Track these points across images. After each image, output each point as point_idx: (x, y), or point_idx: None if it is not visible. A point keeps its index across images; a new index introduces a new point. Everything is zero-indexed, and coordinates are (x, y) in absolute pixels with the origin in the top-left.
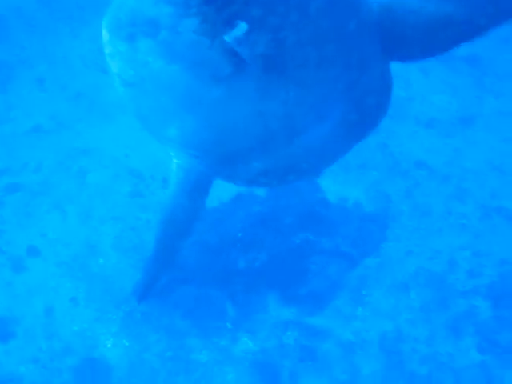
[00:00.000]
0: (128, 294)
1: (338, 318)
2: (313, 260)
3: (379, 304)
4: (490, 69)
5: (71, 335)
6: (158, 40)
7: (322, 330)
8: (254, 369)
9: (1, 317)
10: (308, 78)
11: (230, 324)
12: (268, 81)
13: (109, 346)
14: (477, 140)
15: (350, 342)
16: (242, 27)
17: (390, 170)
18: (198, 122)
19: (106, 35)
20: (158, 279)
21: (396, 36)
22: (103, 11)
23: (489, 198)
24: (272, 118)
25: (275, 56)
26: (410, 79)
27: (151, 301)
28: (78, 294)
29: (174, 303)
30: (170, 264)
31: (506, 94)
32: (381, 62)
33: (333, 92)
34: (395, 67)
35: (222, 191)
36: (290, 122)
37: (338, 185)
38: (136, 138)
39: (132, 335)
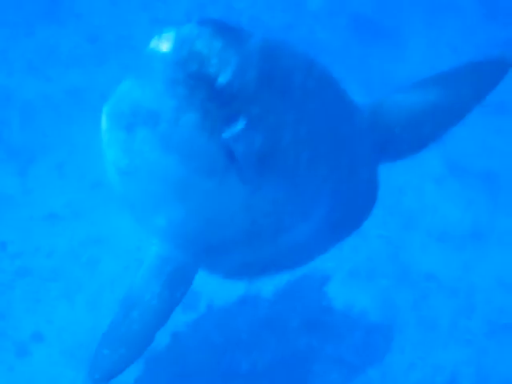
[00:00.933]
0: None
1: None
2: (316, 366)
3: None
4: (506, 186)
5: None
6: (157, 131)
7: None
8: None
9: None
10: (298, 177)
11: None
12: (260, 178)
13: None
14: (487, 256)
15: None
16: (241, 125)
17: (398, 279)
18: (186, 213)
19: (105, 123)
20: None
21: (386, 134)
22: None
23: (496, 315)
24: (260, 213)
25: (269, 154)
26: (424, 190)
27: None
28: None
29: None
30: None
31: None
32: (370, 165)
33: (320, 192)
34: (410, 178)
35: (228, 291)
36: (276, 219)
37: (345, 291)
38: None
39: None
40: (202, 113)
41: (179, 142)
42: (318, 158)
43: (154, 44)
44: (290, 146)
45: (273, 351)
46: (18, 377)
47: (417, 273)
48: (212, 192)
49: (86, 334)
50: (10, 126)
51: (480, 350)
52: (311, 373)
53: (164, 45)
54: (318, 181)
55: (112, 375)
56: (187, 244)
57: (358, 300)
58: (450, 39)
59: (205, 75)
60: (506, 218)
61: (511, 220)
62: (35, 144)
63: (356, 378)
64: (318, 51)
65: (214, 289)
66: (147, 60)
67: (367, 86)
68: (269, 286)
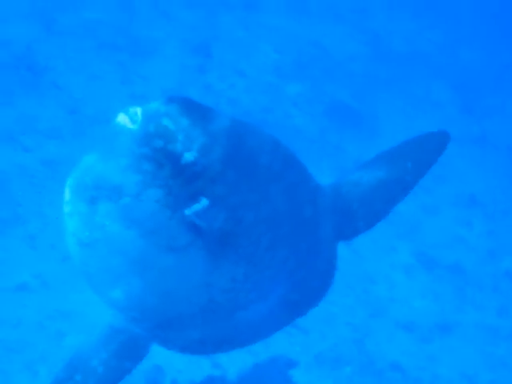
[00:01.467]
0: None
1: None
2: None
3: None
4: (473, 280)
5: None
6: (119, 205)
7: None
8: None
9: None
10: (258, 256)
11: None
12: (220, 255)
13: None
14: (453, 348)
15: None
16: (204, 203)
17: (363, 367)
18: (144, 287)
19: (67, 194)
20: None
21: (344, 212)
22: None
23: None
24: (218, 291)
25: (231, 232)
26: (394, 280)
27: None
28: None
29: None
30: None
31: (486, 306)
32: (329, 245)
33: (279, 272)
34: (380, 267)
35: (194, 371)
36: (234, 297)
37: (310, 377)
38: None
39: None
40: (166, 189)
41: (141, 216)
42: (278, 238)
43: (120, 118)
44: (251, 225)
45: None
46: None
47: (382, 361)
48: (171, 268)
49: None
50: None
51: None
52: None
53: (130, 120)
54: (277, 261)
55: None
56: (142, 318)
57: None
58: (425, 129)
59: (170, 152)
60: (472, 311)
61: (477, 313)
62: (7, 214)
63: None
64: (294, 135)
65: (179, 367)
66: (113, 133)
67: (342, 171)
68: (234, 367)
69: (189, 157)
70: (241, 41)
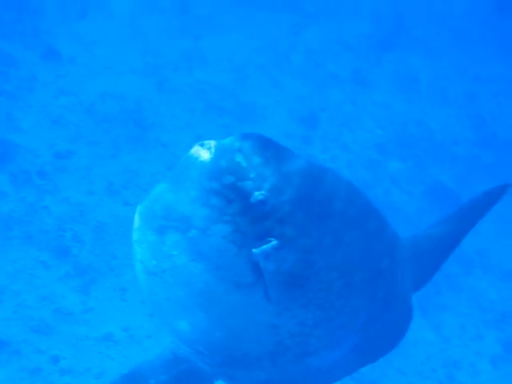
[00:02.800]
0: None
1: None
2: None
3: None
4: None
5: None
6: (187, 237)
7: None
8: None
9: None
10: (329, 303)
11: None
12: (289, 298)
13: None
14: None
15: None
16: (272, 243)
17: None
18: (211, 322)
19: (137, 221)
20: None
21: (420, 264)
22: None
23: None
24: (286, 334)
25: (300, 276)
26: (479, 369)
27: None
28: None
29: None
30: None
31: None
32: (406, 298)
33: (352, 322)
34: (467, 353)
35: None
36: (302, 342)
37: None
38: None
39: None
40: (233, 226)
41: (208, 250)
42: (351, 286)
43: (193, 151)
44: (322, 270)
45: None
46: None
47: None
48: (237, 306)
49: None
50: (82, 243)
51: None
52: None
53: (203, 153)
54: (351, 310)
55: None
56: (207, 353)
57: None
58: None
59: (240, 189)
60: None
61: None
62: (103, 265)
63: None
64: (392, 213)
65: None
66: (185, 165)
67: None
68: None
69: (258, 196)
70: (347, 115)
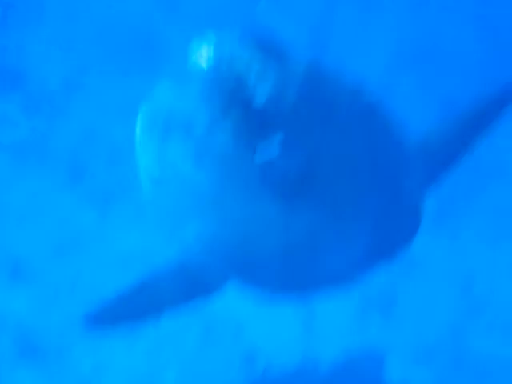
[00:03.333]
0: None
1: None
2: None
3: None
4: None
5: None
6: (189, 144)
7: None
8: None
9: None
10: (338, 200)
11: None
12: (296, 198)
13: None
14: None
15: None
16: (277, 143)
17: (458, 361)
18: (216, 230)
19: (138, 129)
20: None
21: (432, 162)
22: None
23: None
24: (296, 236)
25: (307, 175)
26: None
27: None
28: None
29: None
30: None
31: None
32: (416, 197)
33: (363, 220)
34: None
35: (287, 355)
36: (313, 243)
37: (404, 368)
38: None
39: None
40: (236, 131)
41: (211, 158)
42: (361, 182)
43: (194, 55)
44: (331, 165)
45: None
46: None
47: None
48: (244, 211)
49: (142, 379)
50: (95, 167)
51: None
52: None
53: (203, 58)
54: (360, 208)
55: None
56: (217, 258)
57: (415, 380)
58: None
59: (243, 90)
60: None
61: None
62: (118, 186)
63: None
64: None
65: (273, 349)
66: (185, 68)
67: None
68: (328, 356)
69: (261, 96)
70: None
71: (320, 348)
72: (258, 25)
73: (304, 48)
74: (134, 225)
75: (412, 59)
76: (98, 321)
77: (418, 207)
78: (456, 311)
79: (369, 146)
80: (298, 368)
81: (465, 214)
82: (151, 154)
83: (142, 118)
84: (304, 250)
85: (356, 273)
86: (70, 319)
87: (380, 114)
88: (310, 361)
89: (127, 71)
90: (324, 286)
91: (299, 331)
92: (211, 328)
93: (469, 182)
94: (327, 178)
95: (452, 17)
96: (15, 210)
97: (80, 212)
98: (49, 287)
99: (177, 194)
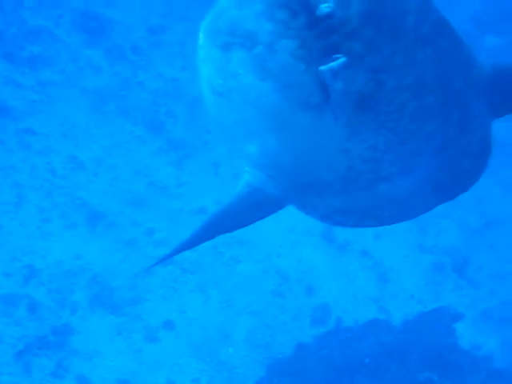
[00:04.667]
0: None
1: None
2: None
3: None
4: None
5: None
6: (253, 54)
7: None
8: None
9: (124, 380)
10: (401, 126)
11: None
12: (359, 121)
13: None
14: None
15: None
16: (340, 60)
17: None
18: (280, 145)
19: (201, 39)
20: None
21: (506, 98)
22: None
23: None
24: (357, 158)
25: (371, 97)
26: None
27: None
28: (202, 377)
29: None
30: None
31: None
32: (484, 126)
33: (426, 146)
34: None
35: (359, 312)
36: (375, 167)
37: (474, 332)
38: (291, 240)
39: None
40: (300, 41)
41: (274, 68)
42: (424, 108)
43: None
44: (394, 91)
45: (392, 380)
46: (144, 359)
47: None
48: (306, 127)
49: (215, 330)
50: (175, 118)
51: None
52: None
53: None
54: (424, 134)
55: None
56: (279, 177)
57: (486, 343)
58: None
59: (306, 1)
60: None
61: None
62: (196, 139)
63: None
64: None
65: (345, 307)
66: None
67: None
68: (400, 313)
69: (325, 8)
70: None
71: (393, 305)
72: None
73: None
74: (210, 181)
75: None
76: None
77: (486, 136)
78: None
79: (434, 67)
80: (370, 323)
81: None
82: (214, 64)
83: (205, 26)
84: (365, 175)
85: (420, 205)
86: (144, 270)
87: (449, 32)
88: (383, 318)
89: None
90: (386, 215)
91: (373, 289)
92: (285, 280)
93: None
94: (390, 101)
95: None
96: (93, 158)
97: (156, 165)
98: (123, 237)
99: (239, 105)
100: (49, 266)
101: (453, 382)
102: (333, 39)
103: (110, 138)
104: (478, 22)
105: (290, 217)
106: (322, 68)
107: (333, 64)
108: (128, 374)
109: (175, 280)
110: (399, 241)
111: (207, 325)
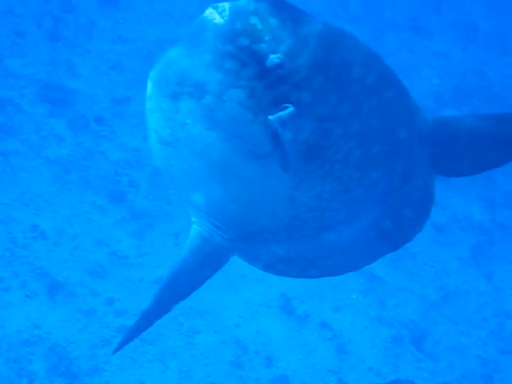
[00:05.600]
0: None
1: None
2: None
3: None
4: None
5: None
6: (202, 104)
7: None
8: None
9: None
10: (346, 175)
11: None
12: (306, 169)
13: None
14: None
15: None
16: (289, 110)
17: None
18: (226, 194)
19: (150, 89)
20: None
21: (447, 150)
22: None
23: None
24: (303, 207)
25: (318, 145)
26: None
27: None
28: None
29: None
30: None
31: None
32: (426, 175)
33: (370, 195)
34: None
35: (315, 382)
36: (320, 216)
37: None
38: (251, 311)
39: None
40: (248, 91)
41: (223, 118)
42: (369, 158)
43: (207, 13)
44: (340, 140)
45: None
46: None
47: None
48: (254, 176)
49: None
50: (137, 188)
51: None
52: None
53: (217, 16)
54: (369, 182)
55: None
56: (224, 227)
57: None
58: None
59: (255, 52)
60: None
61: None
62: (157, 210)
63: None
64: None
65: (304, 379)
66: (199, 28)
67: (490, 202)
68: None
69: (274, 59)
70: (403, 63)
71: (352, 377)
72: None
73: (320, 13)
74: (170, 251)
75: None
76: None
77: (429, 185)
78: (487, 346)
79: (379, 117)
80: None
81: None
82: (162, 114)
83: (154, 76)
84: (310, 224)
85: (364, 254)
86: (102, 340)
87: (394, 83)
88: None
89: None
90: (329, 264)
91: (332, 360)
92: (244, 351)
93: None
94: (337, 150)
95: (502, 56)
96: (54, 228)
97: (117, 235)
98: (83, 307)
99: (186, 155)
100: (7, 335)
101: None
102: (282, 89)
103: (72, 208)
104: (438, 97)
105: (248, 288)
106: (271, 117)
107: (281, 113)
108: None
109: (134, 350)
110: (358, 313)
111: None
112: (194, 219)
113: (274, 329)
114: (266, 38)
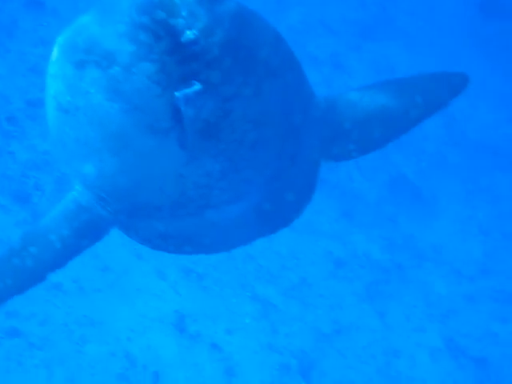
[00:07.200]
0: None
1: None
2: None
3: None
4: (496, 376)
5: None
6: (108, 74)
7: None
8: None
9: None
10: (239, 155)
11: None
12: (200, 147)
13: None
14: None
15: None
16: (196, 87)
17: None
18: (118, 167)
19: (55, 54)
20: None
21: (334, 129)
22: None
23: None
24: (191, 184)
25: (216, 125)
26: (418, 360)
27: None
28: None
29: None
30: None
31: None
32: (312, 162)
33: (258, 176)
34: (408, 344)
35: None
36: (206, 194)
37: None
38: (143, 325)
39: None
40: (160, 65)
41: (128, 90)
42: (263, 140)
43: None
44: (238, 121)
45: None
46: None
47: None
48: (148, 151)
49: None
50: (42, 191)
51: None
52: None
53: None
54: (258, 164)
55: None
56: (110, 200)
57: None
58: (481, 222)
59: (171, 26)
60: None
61: None
62: None
63: None
64: (351, 199)
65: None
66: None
67: (391, 242)
68: None
69: (189, 35)
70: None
71: None
72: None
73: None
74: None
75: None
76: None
77: (313, 172)
78: (372, 383)
79: (278, 101)
80: None
81: None
82: (64, 81)
83: (61, 42)
84: (196, 202)
85: (241, 235)
86: None
87: (295, 67)
88: None
89: None
90: (206, 243)
91: (219, 381)
92: (132, 365)
93: None
94: (233, 130)
95: None
96: None
97: (18, 235)
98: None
99: (84, 124)
100: None
101: None
102: (192, 66)
103: None
104: None
105: (143, 302)
106: (177, 94)
107: (188, 90)
108: None
109: (21, 354)
110: (250, 337)
111: None
112: (76, 187)
113: (164, 345)
114: (183, 14)
